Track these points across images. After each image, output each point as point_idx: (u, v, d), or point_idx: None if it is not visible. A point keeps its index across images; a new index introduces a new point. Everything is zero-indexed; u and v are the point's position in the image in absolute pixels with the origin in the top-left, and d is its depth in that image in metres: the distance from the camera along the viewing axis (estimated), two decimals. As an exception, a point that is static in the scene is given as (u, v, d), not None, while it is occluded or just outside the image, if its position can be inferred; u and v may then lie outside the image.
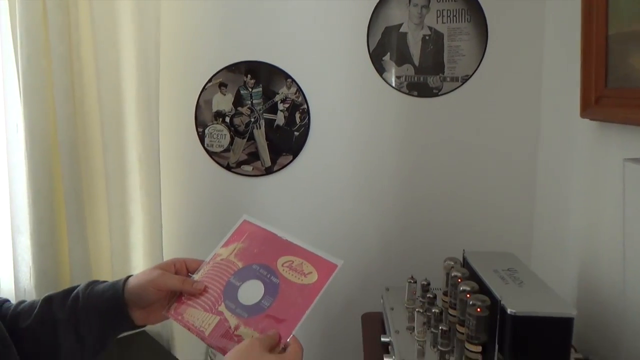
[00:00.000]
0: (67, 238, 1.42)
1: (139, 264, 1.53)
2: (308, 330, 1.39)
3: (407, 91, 1.51)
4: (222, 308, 0.67)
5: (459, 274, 1.10)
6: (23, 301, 0.72)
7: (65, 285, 1.39)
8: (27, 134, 1.33)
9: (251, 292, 0.65)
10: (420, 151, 1.52)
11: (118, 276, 1.45)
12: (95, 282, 0.72)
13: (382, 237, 1.55)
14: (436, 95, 1.50)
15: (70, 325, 0.67)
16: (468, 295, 1.00)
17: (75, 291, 0.70)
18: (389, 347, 1.05)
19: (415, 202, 1.54)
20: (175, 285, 0.69)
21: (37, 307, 0.69)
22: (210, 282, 0.68)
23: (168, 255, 1.56)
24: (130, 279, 0.70)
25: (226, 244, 0.68)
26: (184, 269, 0.73)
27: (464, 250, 1.23)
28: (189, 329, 0.67)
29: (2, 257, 1.45)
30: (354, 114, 1.52)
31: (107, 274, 1.51)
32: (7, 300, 0.75)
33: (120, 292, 0.69)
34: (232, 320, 0.65)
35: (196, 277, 0.70)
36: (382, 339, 1.07)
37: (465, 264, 1.20)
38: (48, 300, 0.70)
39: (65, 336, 0.67)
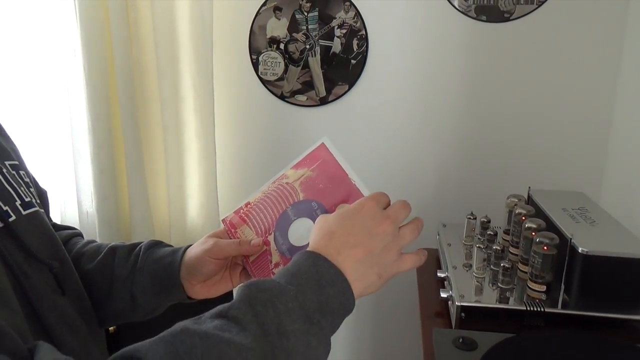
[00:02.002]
0: (125, 163, 1.45)
1: (193, 192, 1.55)
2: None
3: (475, 15, 1.39)
4: (271, 238, 0.64)
5: (523, 212, 1.05)
6: (92, 241, 0.73)
7: (124, 210, 1.48)
8: (84, 58, 1.34)
9: (302, 231, 0.61)
10: (486, 83, 1.43)
11: (174, 202, 1.53)
12: (157, 245, 0.71)
13: (440, 172, 1.51)
14: (507, 19, 1.38)
15: (126, 283, 0.68)
16: (534, 234, 0.95)
17: (137, 249, 0.70)
18: (445, 282, 1.03)
19: (477, 137, 1.47)
20: (233, 250, 0.65)
21: (102, 254, 0.70)
22: (269, 205, 0.65)
23: (222, 185, 1.58)
24: (188, 250, 0.67)
25: (297, 166, 0.63)
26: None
27: (529, 187, 1.17)
28: None
29: (66, 181, 1.51)
30: (415, 41, 1.44)
31: (164, 198, 1.55)
32: (77, 235, 0.76)
33: (178, 263, 0.66)
34: (275, 256, 0.63)
35: (258, 191, 0.66)
36: (439, 274, 1.05)
37: (530, 201, 1.14)
38: (113, 251, 0.70)
39: (119, 291, 0.68)
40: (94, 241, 0.74)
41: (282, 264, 0.62)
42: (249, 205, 0.65)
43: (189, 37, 1.41)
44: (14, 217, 0.58)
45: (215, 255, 0.65)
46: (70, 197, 1.53)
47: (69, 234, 0.75)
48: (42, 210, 0.64)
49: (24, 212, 0.60)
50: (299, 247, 0.61)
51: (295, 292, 0.47)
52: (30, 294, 0.54)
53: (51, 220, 0.75)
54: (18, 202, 0.60)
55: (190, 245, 0.68)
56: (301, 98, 1.52)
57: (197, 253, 0.66)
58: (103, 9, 1.34)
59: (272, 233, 0.64)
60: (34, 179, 0.70)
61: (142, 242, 0.70)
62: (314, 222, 0.56)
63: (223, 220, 0.67)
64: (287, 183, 0.64)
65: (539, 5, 1.36)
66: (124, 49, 1.36)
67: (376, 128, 1.52)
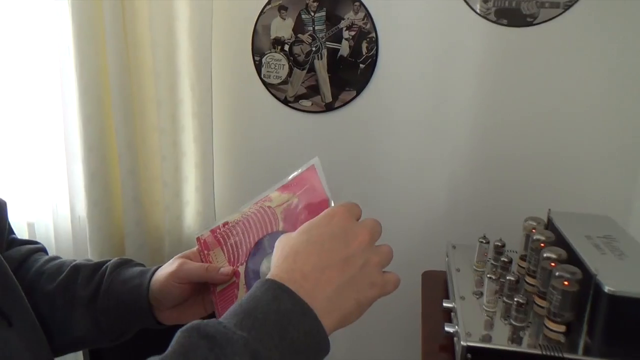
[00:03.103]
0: (118, 167, 1.39)
1: (190, 198, 1.49)
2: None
3: (495, 19, 1.29)
4: (241, 269, 0.57)
5: (542, 238, 0.95)
6: (55, 258, 0.68)
7: (117, 216, 1.41)
8: (76, 56, 1.27)
9: None
10: (505, 92, 1.33)
11: (169, 208, 1.45)
12: (125, 264, 0.65)
13: (452, 187, 1.41)
14: (530, 24, 1.28)
15: (90, 306, 0.62)
16: (553, 265, 0.85)
17: (103, 268, 0.64)
18: (452, 314, 0.94)
19: (494, 150, 1.36)
20: (199, 276, 0.58)
21: (64, 273, 0.64)
22: (247, 229, 0.58)
23: (219, 192, 1.52)
24: (157, 271, 0.62)
25: (282, 188, 0.57)
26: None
27: (549, 209, 1.07)
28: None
29: (60, 185, 1.45)
30: (429, 45, 1.34)
31: (160, 207, 1.48)
32: (39, 250, 0.70)
33: (146, 286, 0.61)
34: (242, 292, 0.57)
35: (237, 211, 0.60)
36: (445, 304, 0.96)
37: (550, 226, 1.03)
38: (76, 270, 0.64)
39: (82, 315, 0.62)
40: (57, 257, 0.68)
41: None
42: (226, 226, 0.60)
43: (187, 35, 1.34)
44: None
45: (180, 279, 0.59)
46: (63, 201, 1.46)
47: (29, 250, 0.69)
48: None
49: None
50: None
51: (246, 340, 0.38)
52: None
53: (11, 235, 0.68)
54: None
55: (161, 265, 0.62)
56: (306, 103, 1.44)
57: (163, 276, 0.60)
58: (97, 6, 1.27)
59: (244, 263, 0.57)
60: None
61: (108, 261, 0.65)
62: None
63: (197, 239, 0.61)
64: (269, 207, 0.57)
65: (566, 9, 1.26)
66: (118, 48, 1.30)
67: (384, 138, 1.43)
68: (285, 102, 1.45)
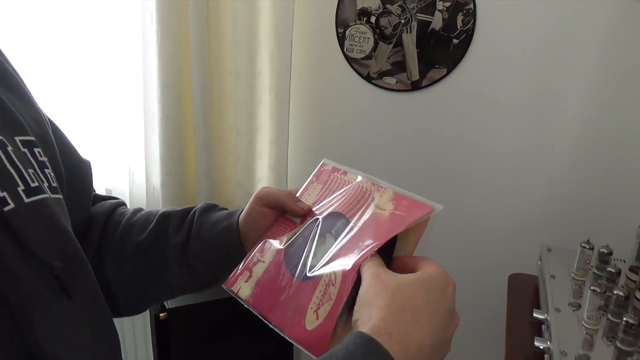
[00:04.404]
0: (193, 139, 1.40)
1: (263, 175, 1.48)
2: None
3: (620, -11, 1.13)
4: (299, 228, 0.56)
5: (661, 249, 0.82)
6: (139, 209, 0.69)
7: (189, 189, 1.43)
8: (158, 22, 1.28)
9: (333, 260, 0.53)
10: (631, 84, 1.15)
11: (241, 184, 1.45)
12: (212, 208, 0.66)
13: (551, 182, 1.28)
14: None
15: (182, 251, 0.63)
16: (676, 283, 0.73)
17: (192, 213, 0.65)
18: (543, 326, 0.85)
19: (609, 145, 1.21)
20: (278, 197, 0.59)
21: (153, 222, 0.65)
22: (345, 196, 0.55)
23: (293, 169, 1.50)
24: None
25: (396, 198, 0.53)
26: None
27: (672, 216, 0.93)
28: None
29: (137, 154, 1.48)
30: (538, 19, 1.20)
31: (232, 183, 1.48)
32: (121, 204, 0.71)
33: (235, 226, 0.61)
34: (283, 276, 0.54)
35: (360, 174, 0.57)
36: (535, 315, 0.87)
37: (672, 235, 0.90)
38: (165, 218, 0.65)
39: (175, 261, 0.63)
40: (141, 209, 0.69)
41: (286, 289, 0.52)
42: (344, 175, 0.58)
43: (269, 4, 1.30)
44: (11, 206, 0.49)
45: (262, 201, 0.60)
46: (140, 170, 1.50)
47: (112, 205, 0.70)
48: (57, 197, 0.56)
49: (26, 200, 0.51)
50: (308, 279, 0.50)
51: None
52: (22, 300, 0.46)
53: (92, 193, 0.68)
54: (21, 188, 0.51)
55: None
56: (390, 81, 1.37)
57: (246, 207, 0.62)
58: (180, -30, 1.26)
59: (304, 225, 0.55)
60: (62, 154, 0.61)
61: (195, 207, 0.66)
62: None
63: (322, 163, 0.61)
64: (371, 197, 0.54)
65: None
66: (199, 17, 1.28)
67: (476, 124, 1.33)
68: (367, 78, 1.39)
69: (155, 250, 0.63)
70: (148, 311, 1.42)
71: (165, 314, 1.28)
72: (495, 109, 1.30)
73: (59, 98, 1.37)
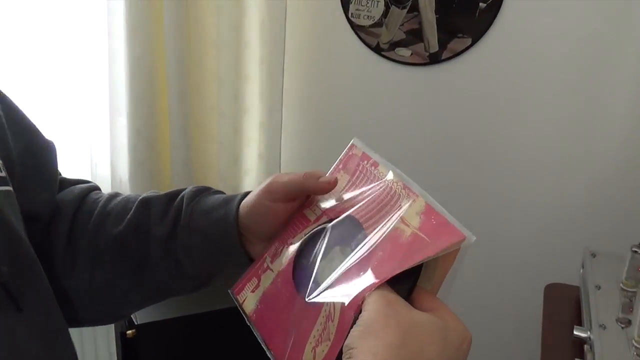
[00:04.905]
0: (167, 122, 1.40)
1: (252, 165, 1.48)
2: (461, 297, 1.23)
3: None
4: (311, 227, 0.56)
5: None
6: (116, 195, 0.68)
7: (164, 181, 1.43)
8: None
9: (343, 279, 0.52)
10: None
11: (225, 176, 1.44)
12: (205, 191, 0.65)
13: (595, 177, 1.30)
14: None
15: (168, 245, 0.62)
16: None
17: (179, 198, 0.64)
18: (586, 346, 0.87)
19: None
20: (295, 184, 0.57)
21: (132, 211, 0.64)
22: (372, 196, 0.55)
23: (288, 159, 1.50)
24: (246, 197, 0.62)
25: (427, 213, 0.50)
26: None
27: None
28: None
29: (101, 141, 1.48)
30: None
31: (214, 174, 1.48)
32: (94, 189, 0.71)
33: (233, 216, 0.60)
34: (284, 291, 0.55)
35: (391, 169, 0.55)
36: (576, 332, 0.89)
37: None
38: (146, 205, 0.64)
39: (160, 258, 0.63)
40: (118, 194, 0.68)
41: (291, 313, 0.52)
42: (374, 167, 0.56)
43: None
44: None
45: (274, 195, 0.58)
46: (104, 160, 1.50)
47: (83, 190, 0.69)
48: (5, 189, 0.56)
49: None
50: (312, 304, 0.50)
51: None
52: None
53: (58, 177, 0.69)
54: None
55: (249, 192, 0.62)
56: (404, 52, 1.39)
57: (253, 197, 0.60)
58: None
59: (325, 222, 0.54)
60: (16, 135, 0.61)
61: (182, 190, 0.65)
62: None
63: (352, 145, 0.60)
64: (398, 204, 0.52)
65: None
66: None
67: (506, 105, 1.35)
68: (377, 49, 1.41)
69: (136, 245, 0.63)
70: (113, 328, 1.43)
71: (133, 330, 1.28)
72: (528, 89, 1.31)
73: (7, 72, 1.36)
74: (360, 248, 0.50)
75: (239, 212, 0.60)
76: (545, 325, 0.98)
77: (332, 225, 0.54)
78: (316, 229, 0.55)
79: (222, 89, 1.40)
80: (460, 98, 1.37)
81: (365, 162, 0.57)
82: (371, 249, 0.49)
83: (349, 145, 0.59)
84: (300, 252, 0.54)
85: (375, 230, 0.50)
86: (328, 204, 0.56)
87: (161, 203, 0.64)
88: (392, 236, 0.49)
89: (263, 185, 0.59)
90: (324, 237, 0.53)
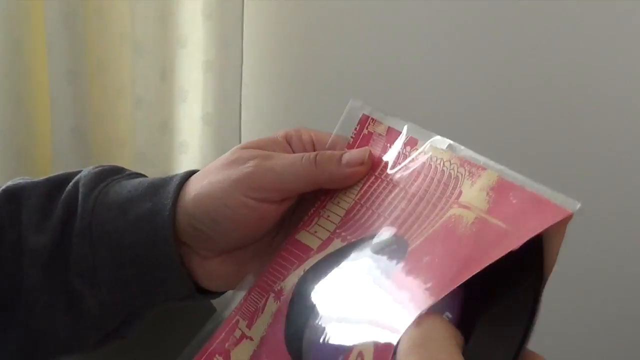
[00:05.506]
0: (47, 60, 1.10)
1: (192, 137, 1.25)
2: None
3: None
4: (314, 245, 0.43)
5: None
6: None
7: (42, 159, 1.20)
8: None
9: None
10: None
11: (148, 159, 1.26)
12: (116, 173, 0.46)
13: None
14: None
15: (54, 266, 0.45)
16: None
17: (71, 186, 0.45)
18: None
19: None
20: (302, 175, 0.41)
21: None
22: (416, 184, 0.41)
23: (251, 127, 1.30)
24: (192, 181, 0.43)
25: (500, 189, 0.34)
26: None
27: None
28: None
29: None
30: None
31: (128, 153, 1.23)
32: None
33: (168, 210, 0.42)
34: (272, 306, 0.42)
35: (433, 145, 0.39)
36: None
37: None
38: (12, 199, 0.46)
39: (40, 288, 0.45)
40: None
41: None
42: (409, 143, 0.42)
43: None
44: None
45: (263, 189, 0.42)
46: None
47: None
48: None
49: None
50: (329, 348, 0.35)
51: None
52: None
53: None
54: None
55: (194, 171, 0.45)
56: None
57: (214, 186, 0.42)
58: None
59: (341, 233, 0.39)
60: None
61: (77, 172, 0.47)
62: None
63: (363, 118, 0.45)
64: (461, 191, 0.37)
65: None
66: None
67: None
68: None
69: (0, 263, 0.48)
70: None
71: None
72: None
73: None
74: (398, 262, 0.36)
75: (178, 205, 0.43)
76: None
77: (354, 256, 0.38)
78: (322, 262, 0.40)
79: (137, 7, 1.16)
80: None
81: (397, 140, 0.43)
82: (411, 259, 0.36)
83: (359, 119, 0.44)
84: (297, 302, 0.40)
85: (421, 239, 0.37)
86: (342, 212, 0.41)
87: (39, 195, 0.47)
88: (441, 231, 0.37)
89: (240, 172, 0.42)
90: (339, 272, 0.38)
